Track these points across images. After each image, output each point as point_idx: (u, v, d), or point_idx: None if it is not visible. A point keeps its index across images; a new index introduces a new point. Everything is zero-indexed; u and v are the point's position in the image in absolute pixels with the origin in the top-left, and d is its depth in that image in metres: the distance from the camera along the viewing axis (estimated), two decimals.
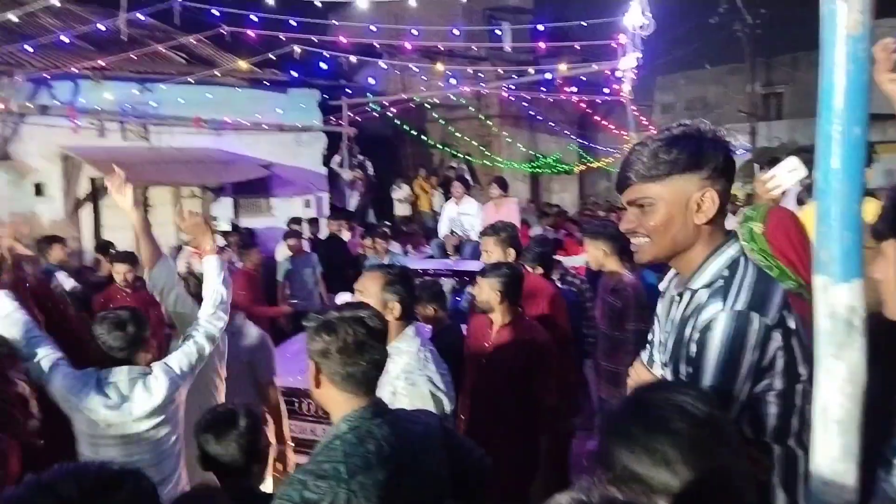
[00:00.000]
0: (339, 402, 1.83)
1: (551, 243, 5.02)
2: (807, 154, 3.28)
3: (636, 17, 5.63)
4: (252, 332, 4.00)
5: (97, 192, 9.58)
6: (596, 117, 15.23)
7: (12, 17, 6.73)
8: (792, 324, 1.52)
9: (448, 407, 2.54)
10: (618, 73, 8.03)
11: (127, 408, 2.61)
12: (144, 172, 9.22)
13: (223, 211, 10.65)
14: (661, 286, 1.84)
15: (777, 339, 1.47)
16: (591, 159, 19.28)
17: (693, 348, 1.51)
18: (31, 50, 8.23)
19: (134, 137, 9.87)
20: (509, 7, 18.16)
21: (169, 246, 10.03)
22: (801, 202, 4.70)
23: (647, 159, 1.58)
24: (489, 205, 7.92)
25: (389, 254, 8.32)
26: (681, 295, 1.64)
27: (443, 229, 8.37)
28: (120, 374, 2.65)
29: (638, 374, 1.85)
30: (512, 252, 4.10)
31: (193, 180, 9.62)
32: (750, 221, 2.86)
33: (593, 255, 4.58)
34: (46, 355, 2.65)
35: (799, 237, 2.83)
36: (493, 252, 4.10)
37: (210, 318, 3.03)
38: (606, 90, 10.69)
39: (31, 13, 11.06)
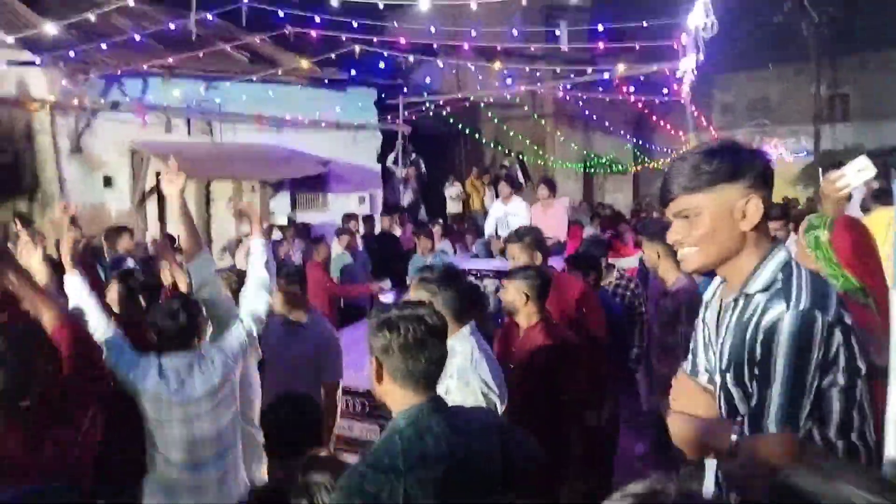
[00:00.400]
0: (399, 398, 1.88)
1: (604, 244, 4.95)
2: (873, 158, 3.21)
3: (699, 18, 5.55)
4: (324, 331, 4.00)
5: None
6: (653, 117, 14.98)
7: (90, 16, 7.02)
8: (849, 320, 1.55)
9: (500, 407, 2.59)
10: (678, 74, 7.89)
11: (187, 390, 2.75)
12: (207, 167, 9.55)
13: (281, 205, 10.92)
14: (706, 296, 1.87)
15: (838, 335, 1.50)
16: (648, 159, 18.99)
17: (759, 350, 1.53)
18: (104, 47, 8.58)
19: (198, 133, 10.22)
20: (568, 6, 18.04)
21: (229, 238, 10.38)
22: (865, 209, 4.58)
23: (689, 171, 1.63)
24: (537, 206, 7.82)
25: (436, 252, 8.41)
26: (735, 301, 1.66)
27: (489, 228, 8.27)
28: (177, 359, 2.78)
29: (681, 385, 1.88)
30: (538, 255, 4.04)
31: (254, 175, 9.91)
32: (815, 230, 2.83)
33: (649, 255, 4.58)
34: (113, 339, 2.80)
35: (865, 245, 2.79)
36: (520, 257, 4.04)
37: (254, 300, 3.11)
38: (665, 91, 10.54)
39: (105, 13, 11.62)
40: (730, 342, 1.65)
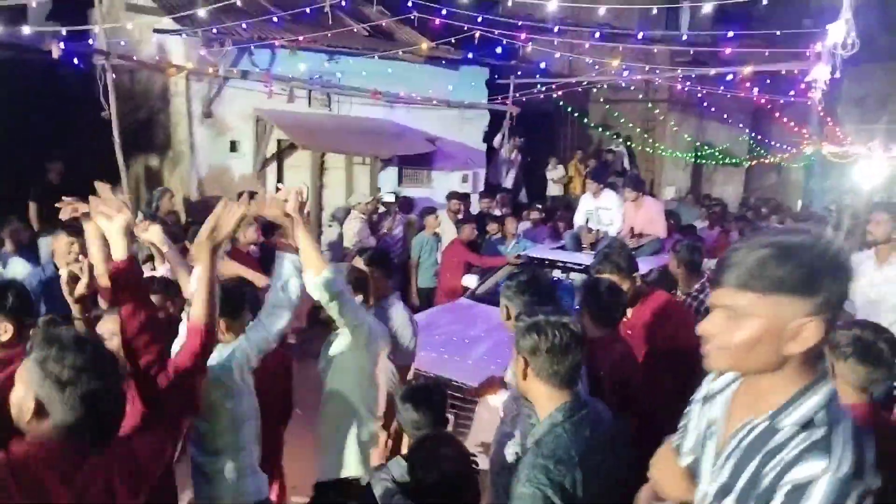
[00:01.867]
0: (545, 395, 2.13)
1: (700, 251, 4.78)
2: None
3: (839, 33, 5.28)
4: (399, 314, 4.10)
5: (282, 153, 10.49)
6: (775, 112, 14.28)
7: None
8: (877, 482, 1.35)
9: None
10: (807, 79, 7.54)
11: None
12: (324, 139, 9.98)
13: (388, 179, 11.27)
14: (715, 385, 1.65)
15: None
16: (763, 152, 18.15)
17: (779, 500, 1.32)
18: (244, 26, 9.06)
19: (317, 105, 10.65)
20: None
21: (338, 206, 10.84)
22: None
23: (753, 266, 1.37)
24: (628, 204, 7.51)
25: (517, 238, 8.36)
26: (757, 425, 1.44)
27: (578, 220, 7.98)
28: None
29: (663, 458, 1.79)
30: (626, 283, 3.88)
31: (368, 150, 10.26)
32: None
33: None
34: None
35: None
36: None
37: (267, 321, 2.98)
38: (792, 93, 10.07)
39: None
40: (739, 465, 1.45)
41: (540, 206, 10.79)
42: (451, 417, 4.74)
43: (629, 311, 3.87)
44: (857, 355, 2.45)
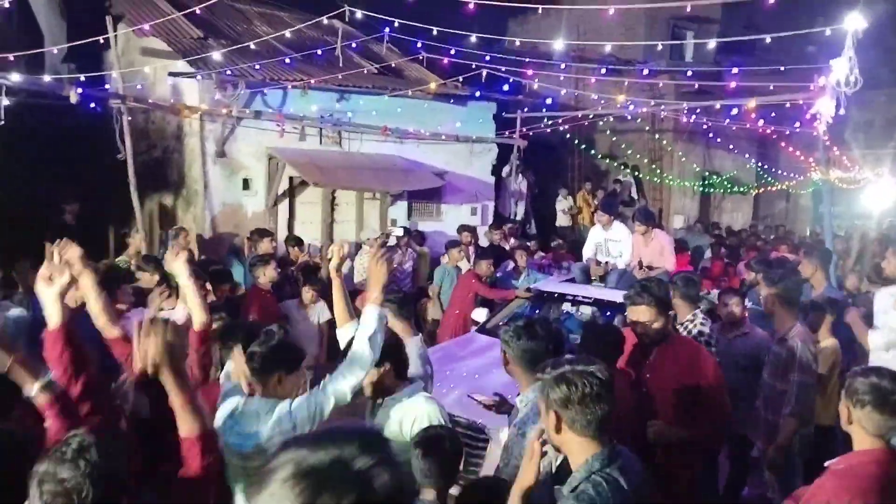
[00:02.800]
0: (578, 446, 2.16)
1: (695, 283, 4.80)
2: None
3: (842, 70, 5.37)
4: (413, 353, 3.82)
5: (294, 190, 10.64)
6: (780, 142, 14.36)
7: (251, 45, 7.62)
8: None
9: (553, 463, 2.61)
10: (812, 111, 7.62)
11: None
12: (336, 175, 10.12)
13: (398, 214, 11.39)
14: None
15: None
16: (771, 180, 18.21)
17: None
18: (257, 67, 9.28)
19: (328, 142, 10.83)
20: (695, 16, 17.51)
21: (349, 242, 10.95)
22: None
23: None
24: (637, 236, 7.45)
25: (527, 272, 8.37)
26: None
27: (587, 252, 7.89)
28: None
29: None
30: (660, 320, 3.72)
31: (378, 186, 10.39)
32: None
33: (766, 302, 4.63)
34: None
35: None
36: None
37: (343, 378, 2.81)
38: (797, 124, 10.16)
39: (247, 20, 12.50)
40: None
41: (533, 241, 10.83)
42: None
43: (654, 351, 3.76)
44: (874, 404, 2.47)
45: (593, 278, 7.41)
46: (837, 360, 4.97)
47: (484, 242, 10.51)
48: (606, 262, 7.54)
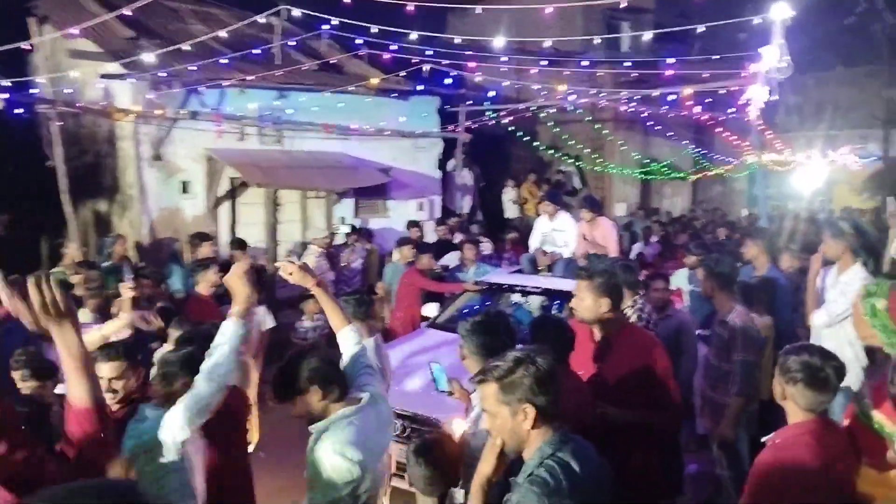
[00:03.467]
0: (534, 433, 2.14)
1: (633, 269, 5.00)
2: None
3: (773, 58, 5.55)
4: (371, 353, 3.81)
5: (235, 191, 10.40)
6: (717, 129, 14.78)
7: (186, 46, 7.39)
8: None
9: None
10: (744, 98, 7.85)
11: None
12: (278, 175, 9.95)
13: (344, 212, 11.27)
14: None
15: None
16: (708, 165, 18.73)
17: None
18: (193, 68, 9.01)
19: (269, 141, 10.62)
20: (630, 7, 17.79)
21: (294, 242, 10.79)
22: None
23: None
24: (583, 223, 7.59)
25: (476, 265, 8.21)
26: None
27: (534, 243, 8.01)
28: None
29: None
30: (605, 302, 3.59)
31: (323, 184, 10.26)
32: (872, 297, 2.94)
33: (705, 286, 4.79)
34: None
35: None
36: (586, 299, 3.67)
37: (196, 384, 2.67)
38: (732, 110, 10.45)
39: (181, 18, 12.14)
40: None
41: (477, 232, 10.84)
42: None
43: (606, 339, 3.67)
44: (806, 381, 2.58)
45: (540, 268, 7.52)
46: (771, 337, 5.21)
47: (432, 238, 10.50)
48: (553, 253, 7.65)
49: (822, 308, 4.65)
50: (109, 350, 3.22)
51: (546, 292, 6.92)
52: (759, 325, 4.99)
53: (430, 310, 7.31)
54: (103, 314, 5.80)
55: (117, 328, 5.15)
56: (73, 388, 2.04)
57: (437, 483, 2.67)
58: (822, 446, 2.54)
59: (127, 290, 5.02)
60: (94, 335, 5.04)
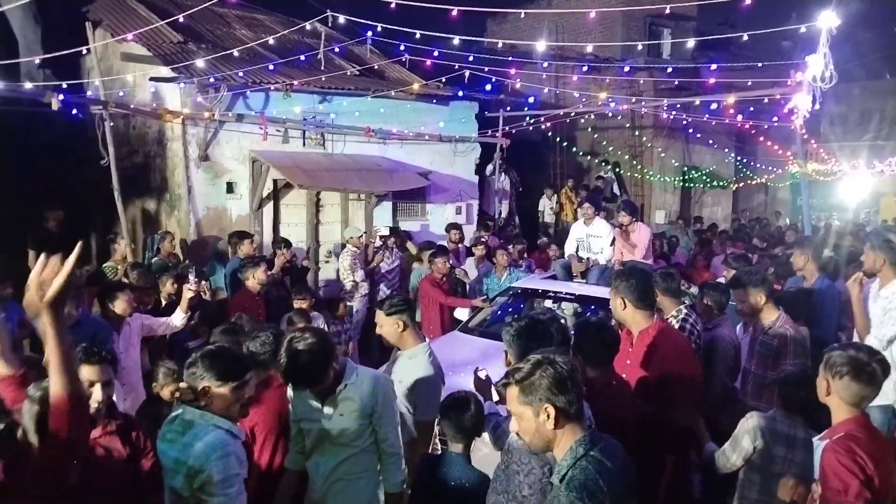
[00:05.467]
0: (563, 434, 2.19)
1: (675, 277, 4.87)
2: None
3: (818, 67, 5.50)
4: (421, 365, 3.78)
5: (278, 192, 10.63)
6: (759, 137, 14.59)
7: (235, 52, 7.60)
8: None
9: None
10: (789, 106, 7.77)
11: None
12: (320, 177, 10.12)
13: (383, 214, 11.41)
14: None
15: None
16: (749, 174, 18.48)
17: None
18: (241, 74, 9.26)
19: (312, 144, 10.83)
20: (671, 14, 17.67)
21: (334, 243, 10.97)
22: None
23: None
24: (618, 229, 7.49)
25: (509, 270, 8.25)
26: None
27: (569, 248, 7.93)
28: None
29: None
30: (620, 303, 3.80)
31: (362, 187, 10.39)
32: None
33: (752, 302, 4.71)
34: None
35: None
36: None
37: None
38: (775, 119, 10.33)
39: (227, 24, 12.47)
40: None
41: (517, 239, 10.81)
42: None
43: (635, 339, 3.81)
44: (852, 374, 2.64)
45: (575, 275, 7.43)
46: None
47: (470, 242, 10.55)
48: (588, 259, 7.60)
49: (871, 333, 4.54)
50: (91, 352, 2.98)
51: (579, 299, 6.87)
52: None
53: (462, 313, 7.28)
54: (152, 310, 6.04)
55: (178, 326, 5.37)
56: (55, 381, 2.04)
57: (464, 432, 3.14)
58: (873, 437, 2.63)
59: (188, 290, 5.24)
60: (156, 326, 5.27)
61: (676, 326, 4.47)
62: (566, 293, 6.90)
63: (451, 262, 8.32)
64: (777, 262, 7.83)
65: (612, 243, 7.59)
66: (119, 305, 5.01)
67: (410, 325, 3.83)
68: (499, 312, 7.24)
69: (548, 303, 7.26)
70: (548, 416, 2.16)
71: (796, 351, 4.39)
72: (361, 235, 9.05)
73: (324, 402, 3.12)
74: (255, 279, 6.13)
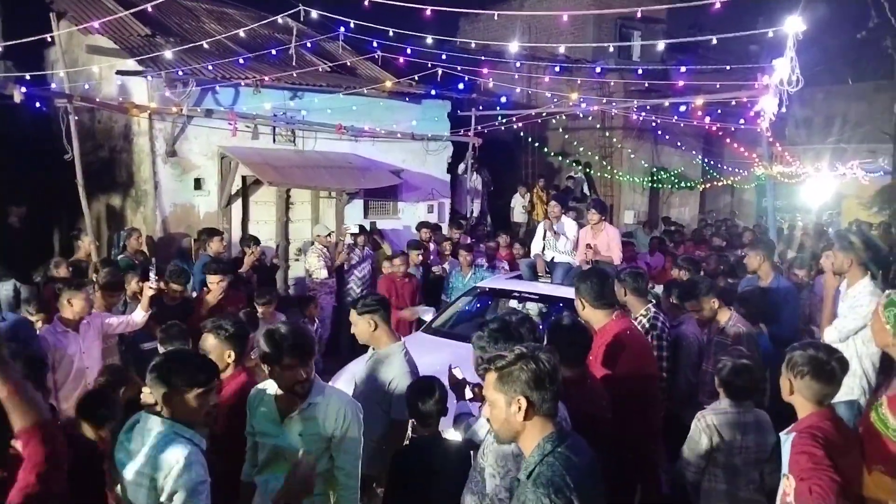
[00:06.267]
0: (533, 428, 2.19)
1: (643, 277, 4.86)
2: None
3: (785, 70, 5.62)
4: (396, 365, 3.71)
5: (247, 189, 10.50)
6: (726, 139, 14.84)
7: (205, 44, 7.49)
8: None
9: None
10: (756, 109, 7.91)
11: None
12: (290, 174, 10.03)
13: (354, 212, 11.35)
14: None
15: None
16: (716, 175, 18.77)
17: None
18: (210, 67, 9.12)
19: (282, 140, 10.72)
20: (641, 17, 17.83)
21: (304, 240, 10.88)
22: None
23: None
24: (587, 228, 7.46)
25: (473, 268, 8.24)
26: None
27: (535, 248, 7.82)
28: None
29: None
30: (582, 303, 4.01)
31: (334, 184, 10.33)
32: (895, 306, 3.02)
33: (706, 309, 4.91)
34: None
35: None
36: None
37: None
38: (742, 121, 10.51)
39: (196, 17, 12.27)
40: None
41: (496, 235, 10.85)
42: None
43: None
44: (812, 373, 2.72)
45: (540, 274, 7.36)
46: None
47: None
48: (552, 259, 7.50)
49: (832, 324, 4.66)
50: None
51: (544, 298, 6.80)
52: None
53: (426, 313, 7.15)
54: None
55: (139, 323, 5.27)
56: (14, 417, 2.04)
57: (435, 416, 3.20)
58: (838, 430, 2.69)
59: (149, 288, 5.14)
60: (115, 324, 5.16)
61: (647, 325, 4.56)
62: (531, 293, 6.84)
63: (429, 258, 8.30)
64: (725, 261, 8.00)
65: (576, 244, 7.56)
66: (77, 304, 4.90)
67: (383, 324, 3.78)
68: (465, 312, 7.16)
69: (513, 303, 7.19)
70: (519, 407, 2.17)
71: (749, 347, 4.49)
72: (329, 234, 8.96)
73: (284, 417, 2.99)
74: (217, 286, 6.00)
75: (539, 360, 2.17)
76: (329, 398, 3.01)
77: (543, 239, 7.75)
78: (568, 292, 6.29)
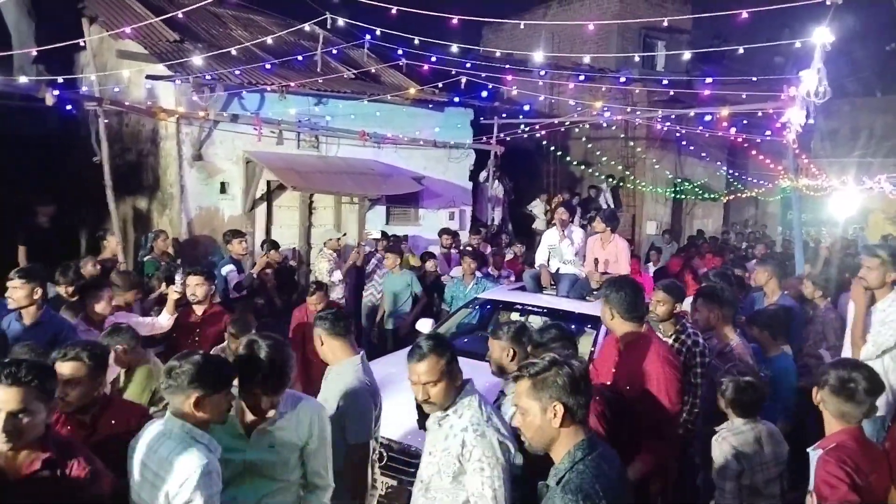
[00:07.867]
0: (566, 435, 2.19)
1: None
2: None
3: (812, 82, 5.55)
4: (348, 381, 3.43)
5: (272, 194, 10.60)
6: (751, 151, 14.69)
7: (233, 51, 7.59)
8: None
9: (514, 453, 2.80)
10: (782, 120, 7.82)
11: None
12: (314, 180, 10.11)
13: (376, 218, 11.41)
14: None
15: None
16: (740, 187, 18.59)
17: None
18: (237, 72, 9.24)
19: (306, 146, 10.82)
20: (666, 27, 17.78)
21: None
22: None
23: None
24: (595, 238, 7.10)
25: (476, 279, 7.91)
26: None
27: (540, 258, 7.45)
28: None
29: None
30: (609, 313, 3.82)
31: (356, 191, 10.40)
32: None
33: (704, 315, 4.66)
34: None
35: None
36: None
37: None
38: (768, 133, 10.41)
39: (224, 24, 12.45)
40: None
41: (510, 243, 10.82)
42: (394, 483, 4.35)
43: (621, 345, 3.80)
44: (832, 388, 2.78)
45: (545, 286, 7.06)
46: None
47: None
48: (558, 270, 7.22)
49: (868, 339, 4.53)
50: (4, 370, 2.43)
51: (549, 312, 6.24)
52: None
53: (424, 325, 6.75)
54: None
55: (164, 326, 5.34)
56: None
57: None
58: (865, 448, 2.72)
59: (174, 292, 5.20)
60: (141, 325, 5.22)
61: (690, 343, 4.35)
62: (535, 306, 6.48)
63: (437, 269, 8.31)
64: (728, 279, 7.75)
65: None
66: (100, 305, 4.98)
67: (331, 339, 3.52)
68: (465, 324, 6.88)
69: (515, 315, 6.70)
70: (555, 414, 2.17)
71: (746, 366, 4.34)
72: (339, 238, 8.94)
73: (251, 432, 2.88)
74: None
75: (572, 365, 2.20)
76: (298, 409, 2.96)
77: (549, 246, 7.43)
78: (572, 305, 6.27)
